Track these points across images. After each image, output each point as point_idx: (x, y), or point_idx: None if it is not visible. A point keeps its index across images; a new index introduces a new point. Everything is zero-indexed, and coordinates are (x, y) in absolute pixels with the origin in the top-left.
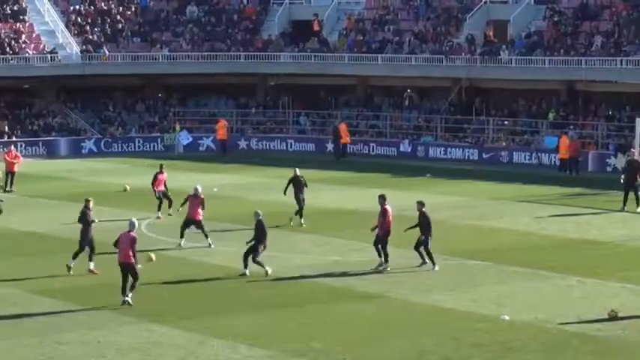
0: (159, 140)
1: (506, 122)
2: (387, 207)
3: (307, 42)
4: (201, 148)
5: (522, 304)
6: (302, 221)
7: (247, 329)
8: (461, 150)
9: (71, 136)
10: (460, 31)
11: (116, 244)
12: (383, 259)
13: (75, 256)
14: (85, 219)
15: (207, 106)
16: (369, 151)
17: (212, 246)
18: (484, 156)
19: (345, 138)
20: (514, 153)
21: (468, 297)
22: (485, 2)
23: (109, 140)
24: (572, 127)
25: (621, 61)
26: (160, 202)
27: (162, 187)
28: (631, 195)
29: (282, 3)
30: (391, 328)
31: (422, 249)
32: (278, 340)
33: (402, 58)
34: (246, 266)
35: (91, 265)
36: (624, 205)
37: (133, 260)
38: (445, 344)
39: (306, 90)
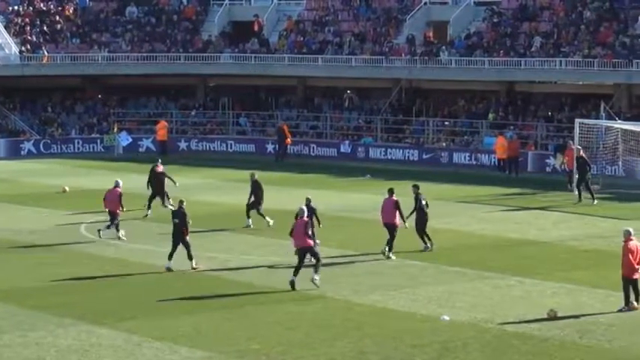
0: (98, 141)
1: (446, 123)
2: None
3: (247, 43)
4: (141, 150)
5: (462, 305)
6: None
7: (187, 330)
8: (401, 151)
9: (10, 137)
10: (400, 32)
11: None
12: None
13: None
14: None
15: (147, 107)
16: (309, 152)
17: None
18: (424, 156)
19: (287, 139)
20: (454, 153)
21: (408, 297)
22: (425, 3)
23: (49, 141)
24: (512, 127)
25: (560, 62)
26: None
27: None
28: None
29: (222, 3)
30: (331, 329)
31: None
32: (218, 341)
33: (342, 59)
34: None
35: None
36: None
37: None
38: (385, 344)
39: (247, 91)
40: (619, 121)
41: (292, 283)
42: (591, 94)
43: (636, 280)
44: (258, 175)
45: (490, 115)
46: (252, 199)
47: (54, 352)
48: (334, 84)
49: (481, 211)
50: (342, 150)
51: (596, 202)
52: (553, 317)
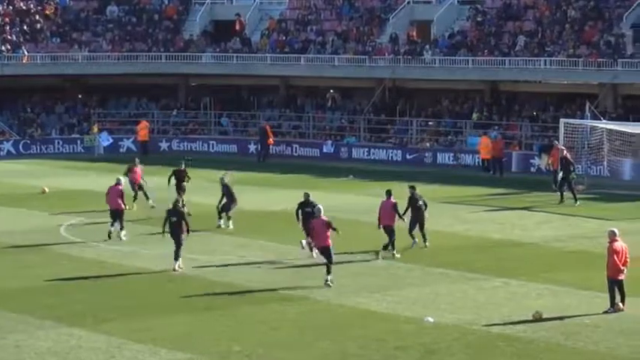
0: (79, 142)
1: (429, 123)
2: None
3: (229, 42)
4: (121, 150)
5: (447, 306)
6: (226, 223)
7: (167, 332)
8: (384, 151)
9: None
10: (383, 32)
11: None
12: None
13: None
14: None
15: (128, 107)
16: (291, 152)
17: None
18: (407, 157)
19: (270, 139)
20: (438, 154)
21: (392, 299)
22: (409, 2)
23: (28, 142)
24: (496, 127)
25: (545, 61)
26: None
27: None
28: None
29: (204, 2)
30: (314, 331)
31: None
32: (199, 343)
33: (325, 58)
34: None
35: None
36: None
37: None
38: (369, 346)
39: (228, 91)
40: (604, 121)
41: (328, 282)
42: (576, 93)
43: (621, 281)
44: (238, 175)
45: (474, 115)
46: (224, 200)
47: (34, 355)
48: (317, 83)
49: (465, 211)
50: (324, 150)
51: (578, 203)
52: (538, 319)
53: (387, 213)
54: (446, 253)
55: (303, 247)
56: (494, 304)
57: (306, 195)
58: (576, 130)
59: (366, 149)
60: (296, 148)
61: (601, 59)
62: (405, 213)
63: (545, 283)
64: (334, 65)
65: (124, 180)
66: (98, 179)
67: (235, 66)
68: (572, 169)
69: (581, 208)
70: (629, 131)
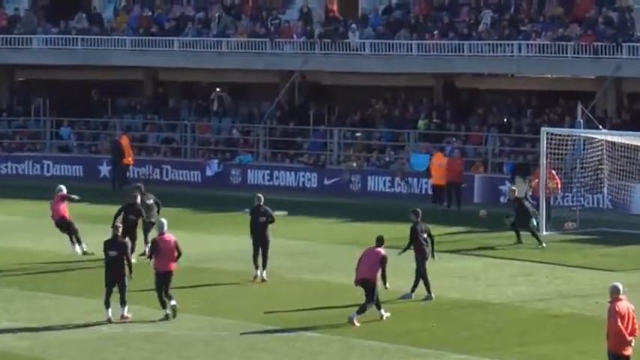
0: None
1: (357, 134)
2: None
3: (71, 20)
4: None
5: None
6: None
7: None
8: (293, 174)
9: None
10: (291, 4)
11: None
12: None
13: None
14: None
15: None
16: (161, 175)
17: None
18: (326, 182)
19: (128, 157)
20: (369, 177)
21: None
22: None
23: None
24: (452, 140)
25: (519, 46)
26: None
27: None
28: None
29: None
30: None
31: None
32: None
33: (209, 42)
34: None
35: None
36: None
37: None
38: None
39: (71, 89)
40: (603, 131)
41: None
42: (564, 92)
43: (628, 357)
44: (85, 210)
45: (420, 123)
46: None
47: None
48: (197, 78)
49: (409, 259)
50: (208, 173)
51: (544, 245)
52: None
53: (371, 264)
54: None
55: None
56: None
57: (259, 199)
58: (564, 143)
59: (268, 171)
60: (167, 170)
61: (599, 43)
62: (405, 251)
63: None
64: (221, 52)
65: None
66: None
67: (81, 53)
68: (529, 217)
69: (574, 255)
70: None
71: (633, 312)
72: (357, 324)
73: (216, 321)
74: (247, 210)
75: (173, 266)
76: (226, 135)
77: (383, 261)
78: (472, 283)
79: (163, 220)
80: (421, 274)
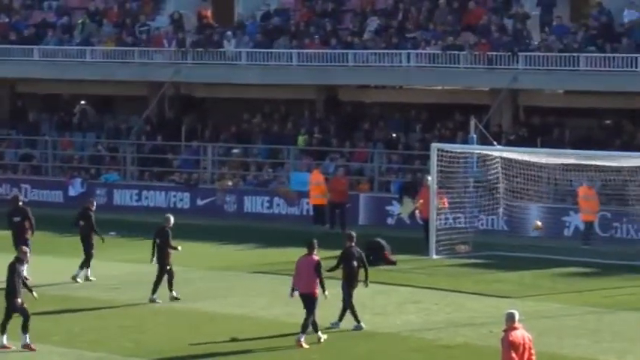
0: None
1: (233, 150)
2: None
3: None
4: None
5: None
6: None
7: None
8: (163, 194)
9: None
10: (161, 9)
11: None
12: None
13: None
14: None
15: None
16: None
17: None
18: (199, 202)
19: None
20: (245, 197)
21: None
22: None
23: None
24: (335, 156)
25: (408, 55)
26: None
27: None
28: None
29: None
30: None
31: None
32: None
33: (71, 51)
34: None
35: None
36: None
37: None
38: None
39: None
40: (498, 147)
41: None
42: (456, 105)
43: None
44: None
45: (300, 138)
46: None
47: None
48: (58, 90)
49: (287, 286)
50: (71, 193)
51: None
52: None
53: (307, 275)
54: (262, 354)
55: None
56: None
57: (167, 219)
58: (456, 160)
59: (136, 191)
60: (26, 190)
61: (494, 53)
62: (332, 270)
63: None
64: (84, 61)
65: None
66: None
67: None
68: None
69: (465, 281)
70: (537, 161)
71: (530, 341)
72: (306, 345)
73: (82, 354)
74: (113, 233)
75: None
76: (91, 152)
77: (318, 267)
78: (358, 311)
79: None
80: (347, 303)
